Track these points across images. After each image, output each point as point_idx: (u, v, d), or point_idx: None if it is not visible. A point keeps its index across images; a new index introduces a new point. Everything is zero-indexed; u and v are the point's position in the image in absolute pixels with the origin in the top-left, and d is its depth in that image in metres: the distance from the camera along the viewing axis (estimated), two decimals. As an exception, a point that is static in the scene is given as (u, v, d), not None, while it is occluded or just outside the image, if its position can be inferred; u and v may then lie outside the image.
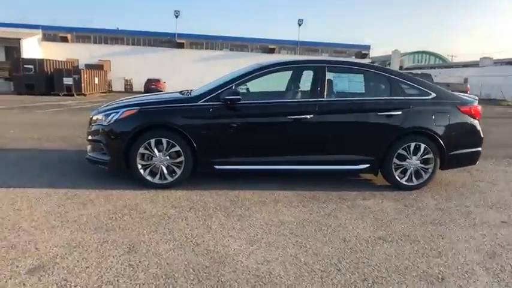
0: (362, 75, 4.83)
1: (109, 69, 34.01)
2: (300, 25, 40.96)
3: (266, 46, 40.24)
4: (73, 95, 24.38)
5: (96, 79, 28.19)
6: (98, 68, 31.71)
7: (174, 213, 3.57)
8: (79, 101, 19.20)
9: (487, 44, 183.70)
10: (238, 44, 41.42)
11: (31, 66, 25.35)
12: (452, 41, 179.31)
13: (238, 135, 4.28)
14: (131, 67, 33.74)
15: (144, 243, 2.93)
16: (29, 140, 6.94)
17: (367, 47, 43.45)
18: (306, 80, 4.95)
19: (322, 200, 4.11)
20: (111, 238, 3.00)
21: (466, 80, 33.28)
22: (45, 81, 25.04)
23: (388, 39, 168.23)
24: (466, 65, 44.34)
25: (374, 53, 45.52)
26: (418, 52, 62.07)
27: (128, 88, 34.17)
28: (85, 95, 25.29)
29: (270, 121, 4.36)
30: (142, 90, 28.55)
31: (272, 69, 4.59)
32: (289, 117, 4.28)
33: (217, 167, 4.31)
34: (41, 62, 26.04)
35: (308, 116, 4.28)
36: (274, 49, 39.93)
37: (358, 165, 4.49)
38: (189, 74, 31.45)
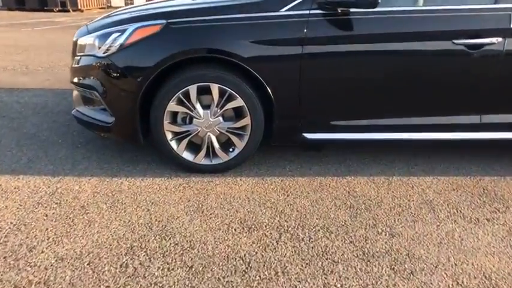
0: None
1: (107, -20, 30.15)
2: None
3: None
4: (68, 11, 21.61)
5: (94, -8, 24.90)
6: (94, -21, 27.98)
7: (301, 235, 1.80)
8: (75, 18, 16.62)
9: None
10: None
11: (19, -23, 22.14)
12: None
13: (358, 77, 2.25)
14: (132, -22, 29.80)
15: None
16: None
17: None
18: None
19: None
20: None
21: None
22: (36, -6, 22.04)
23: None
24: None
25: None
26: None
27: (129, 3, 30.63)
28: (82, 10, 22.42)
29: (422, 49, 2.24)
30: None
31: None
32: (458, 41, 2.21)
33: (309, 135, 2.37)
34: (29, -29, 22.66)
35: (495, 40, 2.21)
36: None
37: None
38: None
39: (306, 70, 2.16)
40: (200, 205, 2.09)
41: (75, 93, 2.58)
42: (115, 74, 2.19)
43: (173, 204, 2.09)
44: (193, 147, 2.38)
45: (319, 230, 1.92)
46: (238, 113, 2.31)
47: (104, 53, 2.21)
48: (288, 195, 2.21)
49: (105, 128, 2.35)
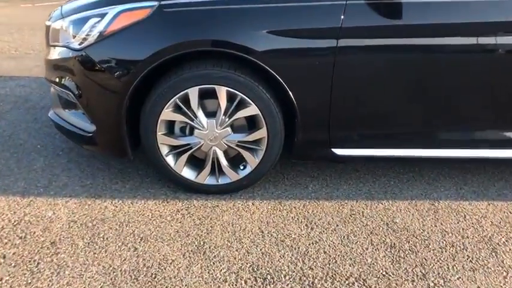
0: None
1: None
2: None
3: None
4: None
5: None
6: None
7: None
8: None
9: None
10: None
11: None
12: None
13: (410, 79, 1.73)
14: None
15: None
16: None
17: None
18: None
19: None
20: None
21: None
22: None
23: None
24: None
25: None
26: None
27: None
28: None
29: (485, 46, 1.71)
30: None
31: None
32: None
33: (339, 151, 1.89)
34: None
35: None
36: None
37: None
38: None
39: (341, 70, 1.66)
40: (202, 242, 1.65)
41: (52, 90, 2.12)
42: (94, 72, 1.71)
43: (168, 241, 1.65)
44: (196, 163, 1.92)
45: (353, 283, 1.48)
46: (251, 123, 1.84)
47: (79, 44, 1.72)
48: (312, 228, 1.75)
49: (85, 139, 1.89)
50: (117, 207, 1.85)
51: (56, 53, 1.87)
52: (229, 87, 1.70)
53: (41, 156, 2.26)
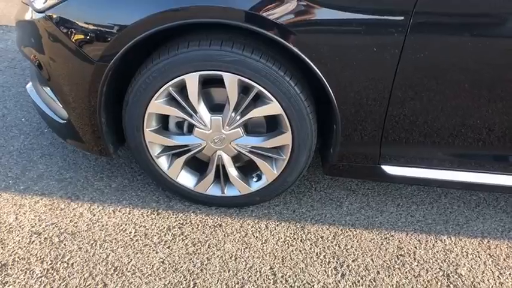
0: None
1: None
2: None
3: None
4: None
5: None
6: None
7: None
8: None
9: None
10: None
11: None
12: None
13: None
14: None
15: None
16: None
17: None
18: None
19: None
20: None
21: None
22: None
23: None
24: None
25: None
26: None
27: None
28: None
29: None
30: None
31: None
32: None
33: (390, 169, 1.37)
34: None
35: None
36: None
37: None
38: None
39: (411, 58, 1.10)
40: (191, 284, 1.24)
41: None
42: (58, 43, 1.23)
43: (148, 278, 1.25)
44: (196, 166, 1.47)
45: None
46: (272, 124, 1.34)
47: (43, 3, 1.25)
48: (342, 275, 1.29)
49: (58, 127, 1.47)
50: (94, 215, 1.46)
51: (21, 14, 1.41)
52: (242, 75, 1.19)
53: (22, 133, 1.89)
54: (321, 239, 1.42)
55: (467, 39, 1.09)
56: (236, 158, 1.42)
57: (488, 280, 1.30)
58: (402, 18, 1.06)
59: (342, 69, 1.15)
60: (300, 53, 1.13)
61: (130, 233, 1.40)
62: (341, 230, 1.46)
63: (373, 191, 1.66)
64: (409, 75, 1.14)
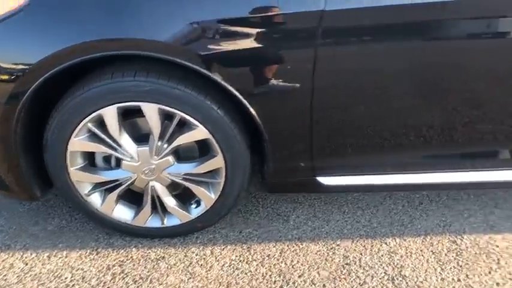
0: None
1: None
2: None
3: None
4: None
5: None
6: None
7: None
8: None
9: None
10: None
11: None
12: None
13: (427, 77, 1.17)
14: None
15: None
16: None
17: None
18: None
19: None
20: None
21: None
22: None
23: None
24: None
25: None
26: None
27: None
28: None
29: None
30: None
31: None
32: None
33: (326, 180, 1.37)
34: None
35: None
36: None
37: None
38: None
39: (325, 71, 1.11)
40: (133, 325, 1.18)
41: None
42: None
43: (85, 324, 1.19)
44: (132, 198, 1.42)
45: None
46: (204, 148, 1.31)
47: None
48: (289, 292, 1.28)
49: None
50: (27, 264, 1.37)
51: None
52: (161, 103, 1.16)
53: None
54: (267, 258, 1.39)
55: (374, 47, 1.11)
56: (173, 186, 1.38)
57: (431, 278, 1.32)
58: (314, 34, 1.07)
59: (260, 88, 1.15)
60: (216, 78, 1.11)
61: (66, 278, 1.32)
62: (287, 246, 1.45)
63: (319, 201, 1.67)
64: (326, 87, 1.15)
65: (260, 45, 1.08)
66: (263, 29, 1.08)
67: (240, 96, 1.14)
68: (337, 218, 1.57)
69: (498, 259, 1.39)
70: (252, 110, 1.16)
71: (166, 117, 1.21)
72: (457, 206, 1.64)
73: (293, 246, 1.44)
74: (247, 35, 1.07)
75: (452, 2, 1.08)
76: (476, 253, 1.41)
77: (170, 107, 1.16)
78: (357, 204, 1.64)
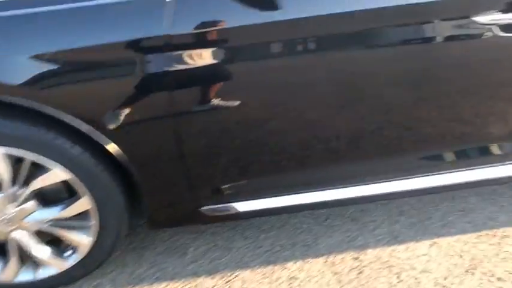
0: None
1: None
2: None
3: None
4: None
5: None
6: None
7: None
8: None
9: None
10: None
11: None
12: None
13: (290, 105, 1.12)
14: None
15: None
16: None
17: None
18: None
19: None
20: None
21: None
22: None
23: None
24: None
25: None
26: None
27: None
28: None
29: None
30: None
31: None
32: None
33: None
34: None
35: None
36: None
37: None
38: None
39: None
40: None
41: None
42: None
43: None
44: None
45: None
46: (71, 189, 1.19)
47: None
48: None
49: None
50: None
51: None
52: (5, 145, 1.03)
53: None
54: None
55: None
56: (44, 233, 1.24)
57: (328, 304, 1.26)
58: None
59: (113, 122, 1.04)
60: (59, 115, 1.00)
61: None
62: (182, 283, 1.34)
63: (222, 227, 1.58)
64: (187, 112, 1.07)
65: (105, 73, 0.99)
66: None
67: (91, 134, 1.03)
68: (238, 245, 1.49)
69: (398, 272, 1.36)
70: (106, 146, 1.06)
71: (15, 162, 1.08)
72: (363, 218, 1.61)
73: (189, 283, 1.34)
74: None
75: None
76: (378, 268, 1.38)
77: (13, 147, 1.03)
78: (260, 227, 1.57)
